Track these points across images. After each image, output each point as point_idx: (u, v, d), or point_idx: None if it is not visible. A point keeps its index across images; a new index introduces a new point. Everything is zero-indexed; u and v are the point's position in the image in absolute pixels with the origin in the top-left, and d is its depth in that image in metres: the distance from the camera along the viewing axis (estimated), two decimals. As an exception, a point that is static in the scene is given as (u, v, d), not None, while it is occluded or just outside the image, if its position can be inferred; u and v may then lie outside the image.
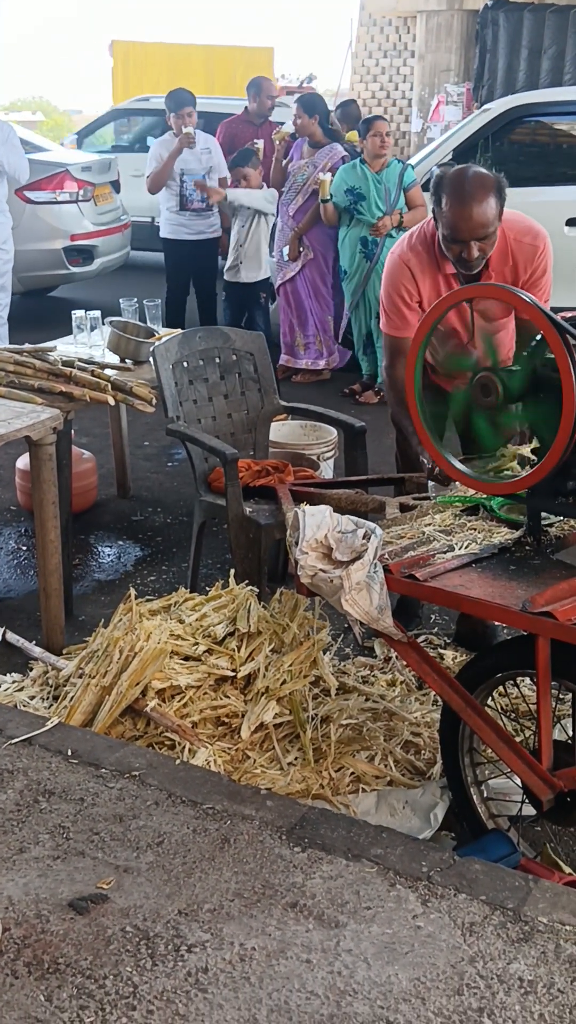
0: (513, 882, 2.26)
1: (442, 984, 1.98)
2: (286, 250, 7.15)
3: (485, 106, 8.39)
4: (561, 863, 2.62)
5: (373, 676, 3.40)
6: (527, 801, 2.57)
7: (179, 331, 4.45)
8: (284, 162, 7.19)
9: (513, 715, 3.04)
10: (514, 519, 2.66)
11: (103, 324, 4.66)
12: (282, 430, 4.70)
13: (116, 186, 9.58)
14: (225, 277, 6.77)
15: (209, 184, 6.79)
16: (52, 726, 2.82)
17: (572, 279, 6.50)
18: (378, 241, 6.58)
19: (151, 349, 4.13)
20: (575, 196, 7.24)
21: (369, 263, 6.66)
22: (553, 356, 2.31)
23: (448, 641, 3.77)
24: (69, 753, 2.71)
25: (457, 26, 14.82)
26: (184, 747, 2.85)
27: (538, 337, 2.40)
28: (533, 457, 2.66)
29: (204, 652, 3.07)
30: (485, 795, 2.75)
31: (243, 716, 2.97)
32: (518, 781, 2.56)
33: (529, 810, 2.62)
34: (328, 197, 6.74)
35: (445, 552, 2.54)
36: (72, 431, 4.19)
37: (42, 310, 9.10)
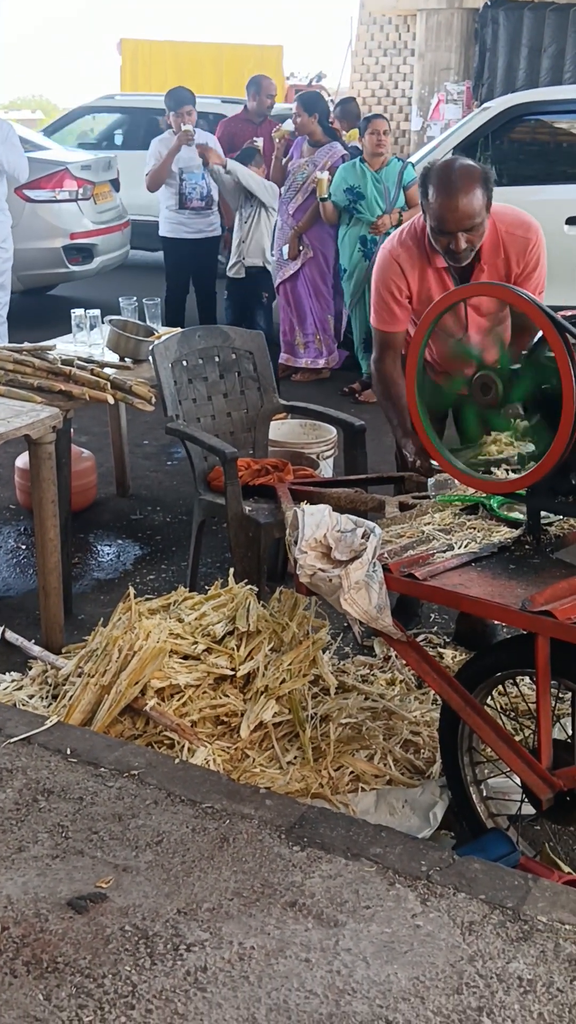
0: (512, 881, 2.26)
1: (441, 983, 1.98)
2: (286, 249, 7.14)
3: (485, 104, 8.38)
4: (560, 862, 2.62)
5: (372, 675, 3.40)
6: (526, 800, 2.57)
7: (178, 330, 4.45)
8: (284, 160, 7.17)
9: (513, 714, 3.04)
10: (513, 518, 2.66)
11: (102, 323, 4.66)
12: (282, 429, 4.70)
13: (116, 185, 9.57)
14: (228, 275, 6.75)
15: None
16: (51, 725, 2.82)
17: (572, 279, 6.51)
18: (377, 240, 6.56)
19: (150, 348, 4.12)
20: (575, 195, 7.24)
21: (369, 262, 6.63)
22: (553, 355, 2.31)
23: (447, 640, 3.77)
24: (68, 752, 2.70)
25: (457, 24, 14.83)
26: (183, 746, 2.85)
27: (538, 336, 2.40)
28: (514, 445, 2.66)
29: (203, 651, 3.06)
30: (484, 794, 2.75)
31: (242, 715, 2.97)
32: (517, 780, 2.55)
33: (528, 809, 2.62)
34: (326, 195, 6.73)
35: (444, 551, 2.54)
36: (71, 430, 4.19)
37: (41, 309, 9.09)
